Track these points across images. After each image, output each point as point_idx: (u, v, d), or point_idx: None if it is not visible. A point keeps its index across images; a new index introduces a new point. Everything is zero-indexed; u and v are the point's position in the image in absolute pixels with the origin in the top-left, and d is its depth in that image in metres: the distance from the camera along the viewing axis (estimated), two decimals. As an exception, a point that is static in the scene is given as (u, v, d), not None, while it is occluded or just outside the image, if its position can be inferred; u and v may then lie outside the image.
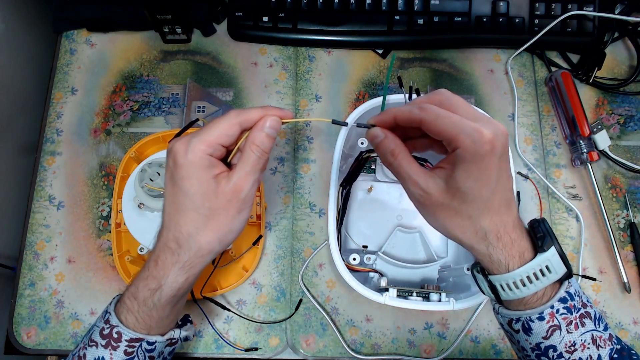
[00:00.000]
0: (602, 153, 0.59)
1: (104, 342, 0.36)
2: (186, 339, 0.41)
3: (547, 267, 0.34)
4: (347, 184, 0.51)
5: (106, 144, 0.59)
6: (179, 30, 0.61)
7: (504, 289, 0.35)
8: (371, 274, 0.52)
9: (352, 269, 0.49)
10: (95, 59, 0.62)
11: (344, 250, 0.52)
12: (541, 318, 0.34)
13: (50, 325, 0.53)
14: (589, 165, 0.57)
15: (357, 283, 0.43)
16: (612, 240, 0.55)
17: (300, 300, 0.54)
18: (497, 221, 0.34)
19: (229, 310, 0.52)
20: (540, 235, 0.35)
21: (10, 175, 0.63)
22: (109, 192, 0.57)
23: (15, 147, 0.64)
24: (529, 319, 0.35)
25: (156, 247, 0.37)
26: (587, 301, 0.36)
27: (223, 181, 0.35)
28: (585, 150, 0.57)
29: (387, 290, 0.45)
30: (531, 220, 0.36)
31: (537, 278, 0.34)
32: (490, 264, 0.35)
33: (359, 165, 0.53)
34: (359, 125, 0.37)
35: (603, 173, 0.59)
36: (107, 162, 0.58)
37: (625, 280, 0.55)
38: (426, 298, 0.46)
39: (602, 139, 0.58)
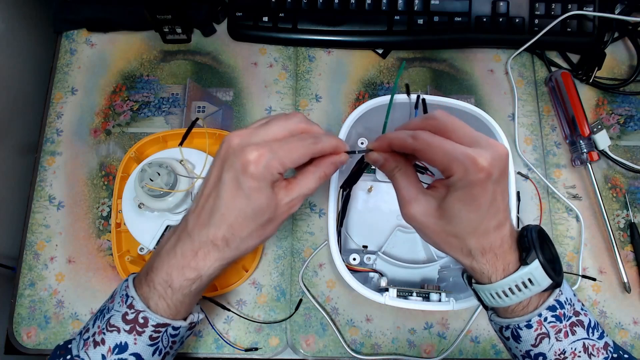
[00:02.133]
0: (602, 153, 0.59)
1: (127, 327, 0.36)
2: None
3: (529, 279, 0.34)
4: (347, 186, 0.51)
5: (106, 144, 0.59)
6: (179, 30, 0.61)
7: (487, 297, 0.36)
8: (371, 274, 0.52)
9: (352, 269, 0.49)
10: (95, 59, 0.62)
11: (344, 250, 0.52)
12: (529, 326, 0.35)
13: (50, 325, 0.53)
14: (589, 165, 0.57)
15: (357, 283, 0.43)
16: (612, 240, 0.55)
17: (300, 300, 0.54)
18: (484, 241, 0.34)
19: (229, 310, 0.52)
20: (525, 246, 0.35)
21: (10, 175, 0.63)
22: (109, 192, 0.57)
23: (15, 147, 0.64)
24: (517, 326, 0.35)
25: (194, 239, 0.36)
26: (582, 309, 0.36)
27: (281, 193, 0.36)
28: (585, 150, 0.57)
29: (387, 290, 0.45)
30: (522, 229, 0.36)
31: (519, 289, 0.34)
32: (474, 274, 0.36)
33: (360, 169, 0.53)
34: (359, 152, 0.39)
35: (603, 173, 0.59)
36: (107, 162, 0.58)
37: (625, 280, 0.55)
38: (426, 298, 0.46)
39: (602, 139, 0.58)
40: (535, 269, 0.34)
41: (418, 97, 0.47)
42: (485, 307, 0.39)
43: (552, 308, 0.35)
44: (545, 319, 0.35)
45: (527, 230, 0.36)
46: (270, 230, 0.37)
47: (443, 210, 0.34)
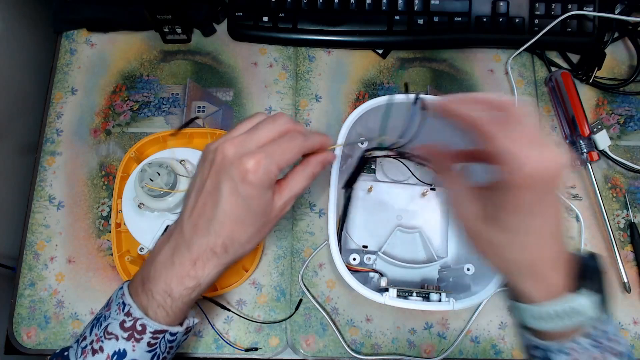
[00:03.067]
0: (602, 153, 0.59)
1: (125, 335, 0.36)
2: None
3: (575, 309, 0.31)
4: (348, 186, 0.51)
5: (106, 144, 0.59)
6: (179, 30, 0.61)
7: (523, 317, 0.34)
8: (371, 274, 0.52)
9: (352, 269, 0.49)
10: (95, 59, 0.62)
11: (344, 250, 0.52)
12: (563, 352, 0.32)
13: (50, 325, 0.53)
14: (589, 165, 0.57)
15: (357, 283, 0.43)
16: (612, 240, 0.55)
17: (300, 300, 0.54)
18: (528, 255, 0.32)
19: (229, 310, 0.52)
20: (579, 275, 0.32)
21: (10, 175, 0.63)
22: (109, 192, 0.57)
23: (15, 147, 0.64)
24: (549, 349, 0.33)
25: (193, 249, 0.36)
26: (615, 335, 0.33)
27: (276, 196, 0.37)
28: (585, 150, 0.57)
29: (387, 290, 0.45)
30: (577, 253, 0.34)
31: (561, 318, 0.32)
32: (514, 290, 0.35)
33: (360, 167, 0.53)
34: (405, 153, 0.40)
35: (603, 173, 0.59)
36: (107, 162, 0.58)
37: (625, 280, 0.55)
38: (426, 298, 0.46)
39: (602, 139, 0.58)
40: (586, 301, 0.31)
41: (416, 97, 0.47)
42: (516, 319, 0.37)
43: (589, 335, 0.32)
44: (582, 347, 0.32)
45: (583, 257, 0.33)
46: (266, 232, 0.38)
47: (490, 215, 0.32)
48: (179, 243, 0.37)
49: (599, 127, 0.58)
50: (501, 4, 0.61)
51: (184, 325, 0.39)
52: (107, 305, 0.39)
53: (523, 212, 0.30)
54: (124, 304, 0.37)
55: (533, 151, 0.29)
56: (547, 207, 0.31)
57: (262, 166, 0.34)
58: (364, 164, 0.53)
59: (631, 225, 0.57)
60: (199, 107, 0.61)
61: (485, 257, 0.35)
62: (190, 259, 0.36)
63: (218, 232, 0.35)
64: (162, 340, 0.37)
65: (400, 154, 0.52)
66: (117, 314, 0.37)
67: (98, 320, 0.38)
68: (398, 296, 0.45)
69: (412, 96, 0.46)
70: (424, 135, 0.47)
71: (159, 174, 0.46)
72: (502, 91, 0.62)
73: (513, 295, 0.35)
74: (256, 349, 0.52)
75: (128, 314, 0.36)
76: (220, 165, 0.35)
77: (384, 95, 0.47)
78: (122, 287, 0.39)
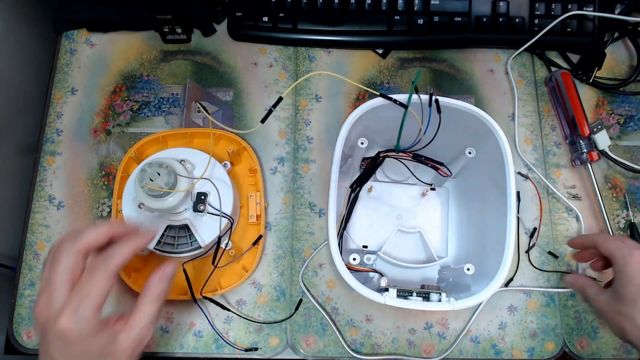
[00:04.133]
0: (602, 153, 0.59)
1: None
2: None
3: None
4: (358, 185, 0.51)
5: (106, 144, 0.59)
6: (179, 30, 0.61)
7: None
8: (371, 274, 0.52)
9: (352, 269, 0.49)
10: (95, 59, 0.62)
11: (344, 250, 0.52)
12: None
13: (50, 325, 0.53)
14: (589, 165, 0.57)
15: (357, 283, 0.43)
16: (612, 240, 0.55)
17: (300, 300, 0.54)
18: None
19: (229, 310, 0.52)
20: None
21: (10, 175, 0.63)
22: (109, 192, 0.57)
23: (15, 147, 0.64)
24: None
25: None
26: None
27: (121, 336, 0.33)
28: (585, 150, 0.57)
29: (387, 290, 0.45)
30: None
31: None
32: None
33: (374, 166, 0.53)
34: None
35: (603, 173, 0.59)
36: (107, 162, 0.58)
37: (625, 280, 0.55)
38: (426, 298, 0.46)
39: (602, 139, 0.58)
40: None
41: (431, 95, 0.47)
42: None
43: None
44: None
45: None
46: None
47: (613, 292, 0.45)
48: None
49: (599, 127, 0.58)
50: (501, 4, 0.61)
51: None
52: None
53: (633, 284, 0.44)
54: None
55: (629, 245, 0.45)
56: None
57: (74, 320, 0.31)
58: (379, 164, 0.53)
59: (631, 225, 0.57)
60: (199, 107, 0.61)
61: (619, 333, 0.45)
62: None
63: None
64: None
65: (415, 156, 0.52)
66: None
67: None
68: (398, 296, 0.45)
69: (425, 97, 0.46)
70: (438, 136, 0.47)
71: (159, 174, 0.46)
72: (502, 91, 0.62)
73: None
74: (256, 349, 0.52)
75: None
76: (43, 334, 0.33)
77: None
78: None
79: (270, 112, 0.48)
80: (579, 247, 0.52)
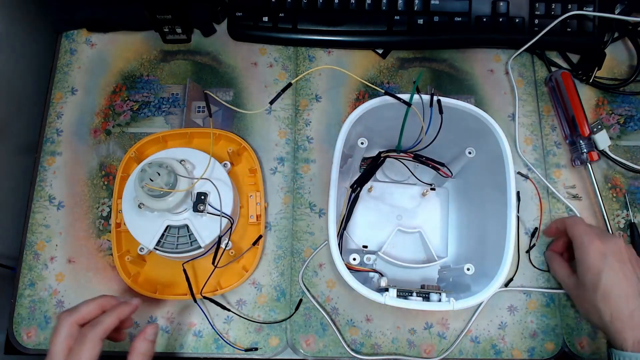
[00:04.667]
0: (602, 153, 0.59)
1: None
2: None
3: None
4: (358, 186, 0.51)
5: (106, 144, 0.59)
6: (179, 30, 0.61)
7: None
8: (371, 274, 0.52)
9: (352, 269, 0.49)
10: (95, 59, 0.62)
11: (344, 250, 0.52)
12: None
13: (50, 325, 0.53)
14: (589, 165, 0.57)
15: (357, 283, 0.43)
16: (612, 240, 0.55)
17: (300, 300, 0.54)
18: (613, 307, 0.44)
19: (229, 310, 0.52)
20: None
21: (10, 175, 0.63)
22: (109, 192, 0.57)
23: (15, 147, 0.64)
24: None
25: None
26: None
27: None
28: (585, 150, 0.57)
29: (387, 290, 0.45)
30: None
31: None
32: (609, 338, 0.46)
33: (375, 166, 0.53)
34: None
35: (603, 173, 0.59)
36: (107, 162, 0.58)
37: (625, 280, 0.55)
38: (426, 298, 0.46)
39: (602, 139, 0.58)
40: None
41: (432, 95, 0.47)
42: None
43: None
44: None
45: None
46: None
47: (579, 281, 0.48)
48: None
49: (599, 127, 0.58)
50: (501, 4, 0.61)
51: None
52: None
53: (592, 271, 0.46)
54: None
55: (600, 236, 0.48)
56: (618, 271, 0.45)
57: None
58: (380, 164, 0.53)
59: (631, 225, 0.57)
60: (199, 107, 0.61)
61: (585, 316, 0.49)
62: None
63: None
64: None
65: (416, 157, 0.52)
66: None
67: None
68: (398, 296, 0.45)
69: (427, 97, 0.46)
70: (438, 136, 0.47)
71: (159, 174, 0.46)
72: (502, 91, 0.62)
73: (608, 342, 0.46)
74: (256, 349, 0.52)
75: None
76: None
77: (384, 96, 0.47)
78: None
79: (279, 94, 0.50)
80: (554, 234, 0.55)
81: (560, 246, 0.54)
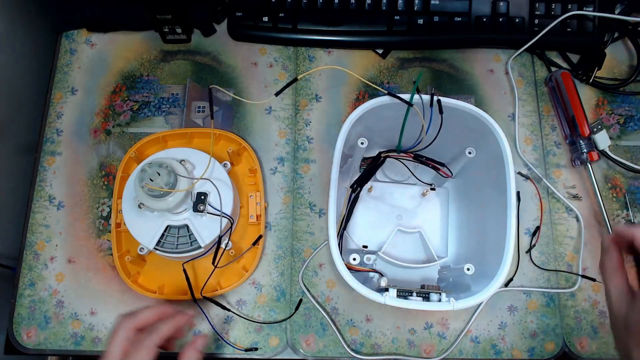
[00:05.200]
0: (602, 153, 0.59)
1: None
2: None
3: None
4: (358, 186, 0.51)
5: (106, 144, 0.59)
6: (179, 30, 0.61)
7: None
8: (371, 274, 0.52)
9: (352, 269, 0.49)
10: (95, 59, 0.62)
11: (344, 251, 0.52)
12: None
13: (50, 325, 0.53)
14: (589, 165, 0.57)
15: (357, 283, 0.43)
16: (612, 240, 0.55)
17: (300, 300, 0.54)
18: None
19: (229, 310, 0.52)
20: None
21: (10, 175, 0.63)
22: (109, 192, 0.57)
23: (15, 147, 0.64)
24: None
25: None
26: None
27: None
28: (585, 150, 0.57)
29: (387, 290, 0.45)
30: None
31: None
32: None
33: (375, 166, 0.53)
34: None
35: (603, 173, 0.59)
36: (107, 162, 0.58)
37: (625, 280, 0.55)
38: (426, 298, 0.46)
39: (602, 139, 0.58)
40: None
41: (432, 95, 0.47)
42: None
43: None
44: None
45: None
46: None
47: (635, 301, 0.36)
48: None
49: (599, 127, 0.58)
50: (501, 4, 0.61)
51: None
52: None
53: None
54: None
55: None
56: None
57: None
58: (380, 164, 0.53)
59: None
60: (199, 107, 0.61)
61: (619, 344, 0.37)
62: None
63: None
64: None
65: (417, 157, 0.52)
66: None
67: None
68: (398, 296, 0.45)
69: (427, 97, 0.46)
70: (438, 136, 0.47)
71: (159, 174, 0.46)
72: (502, 91, 0.62)
73: None
74: (256, 349, 0.52)
75: None
76: None
77: (384, 96, 0.47)
78: None
79: (285, 87, 0.51)
80: (618, 246, 0.40)
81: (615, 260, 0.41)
